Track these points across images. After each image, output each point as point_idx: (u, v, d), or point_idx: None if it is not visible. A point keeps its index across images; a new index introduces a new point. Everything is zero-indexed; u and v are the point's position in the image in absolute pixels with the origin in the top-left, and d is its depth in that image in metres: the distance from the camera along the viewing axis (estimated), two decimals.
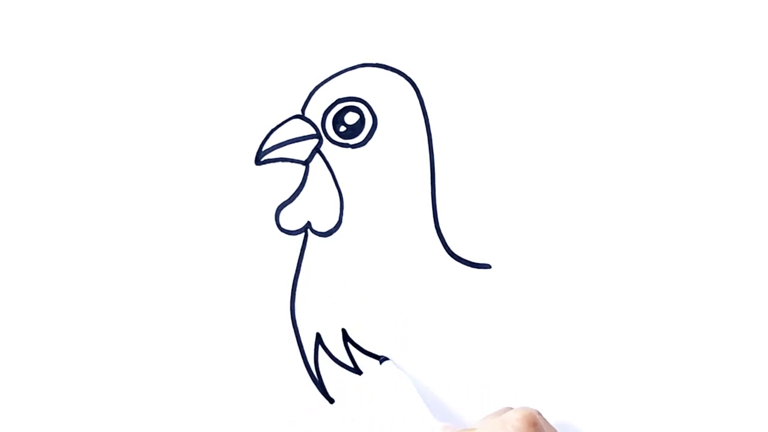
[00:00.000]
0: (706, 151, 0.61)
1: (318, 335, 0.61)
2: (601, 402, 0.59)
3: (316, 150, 0.62)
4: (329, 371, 0.60)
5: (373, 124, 0.62)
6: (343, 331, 0.60)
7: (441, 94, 0.62)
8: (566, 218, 0.61)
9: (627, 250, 0.61)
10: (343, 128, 0.62)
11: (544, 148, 0.61)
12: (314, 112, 0.62)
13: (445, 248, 0.61)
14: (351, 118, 0.62)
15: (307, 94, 0.62)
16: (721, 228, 0.61)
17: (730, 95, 0.62)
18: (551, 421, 0.58)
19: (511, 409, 0.56)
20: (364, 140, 0.61)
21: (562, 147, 0.61)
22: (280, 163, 0.62)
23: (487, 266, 0.60)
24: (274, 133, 0.62)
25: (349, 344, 0.60)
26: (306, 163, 0.62)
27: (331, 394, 0.60)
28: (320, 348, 0.60)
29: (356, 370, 0.60)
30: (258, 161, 0.62)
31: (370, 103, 0.62)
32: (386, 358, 0.60)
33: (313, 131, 0.62)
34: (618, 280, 0.60)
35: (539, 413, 0.54)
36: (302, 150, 0.62)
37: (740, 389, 0.59)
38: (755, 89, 0.61)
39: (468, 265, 0.61)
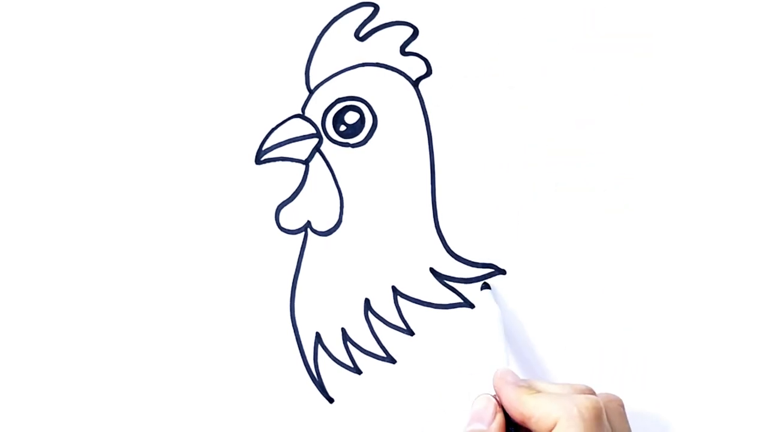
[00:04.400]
0: (707, 152, 0.61)
1: (318, 335, 0.60)
2: None
3: (316, 149, 0.61)
4: (329, 371, 0.60)
5: (373, 124, 0.61)
6: (343, 330, 0.60)
7: (441, 93, 0.62)
8: (568, 218, 0.61)
9: (631, 249, 0.61)
10: (343, 127, 0.61)
11: (545, 148, 0.61)
12: (314, 112, 0.62)
13: (445, 248, 0.61)
14: (351, 118, 0.61)
15: (307, 94, 0.62)
16: (722, 228, 0.61)
17: (731, 96, 0.61)
18: None
19: (588, 388, 0.55)
20: (364, 139, 0.61)
21: (563, 147, 0.61)
22: (280, 163, 0.62)
23: (487, 266, 0.60)
24: (274, 132, 0.62)
25: (349, 344, 0.60)
26: (306, 162, 0.62)
27: (331, 394, 0.60)
28: (320, 347, 0.60)
29: (356, 370, 0.60)
30: (258, 160, 0.62)
31: (371, 103, 0.62)
32: (488, 287, 0.60)
33: (313, 130, 0.62)
34: (622, 280, 0.60)
35: (621, 404, 0.54)
36: (302, 149, 0.62)
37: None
38: (755, 89, 0.61)
39: (469, 265, 0.60)
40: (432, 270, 0.61)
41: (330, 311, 0.61)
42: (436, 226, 0.61)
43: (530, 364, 0.60)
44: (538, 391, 0.54)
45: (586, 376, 0.60)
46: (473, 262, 0.61)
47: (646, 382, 0.60)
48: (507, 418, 0.54)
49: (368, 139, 0.61)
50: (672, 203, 0.61)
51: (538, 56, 0.62)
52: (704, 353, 0.60)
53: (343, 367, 0.60)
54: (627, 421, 0.55)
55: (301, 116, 0.62)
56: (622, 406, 0.55)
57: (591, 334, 0.60)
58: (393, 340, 0.60)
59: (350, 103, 0.61)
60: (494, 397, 0.55)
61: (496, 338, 0.58)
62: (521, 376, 0.58)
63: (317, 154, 0.62)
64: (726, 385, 0.60)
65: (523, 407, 0.53)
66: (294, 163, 0.62)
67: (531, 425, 0.52)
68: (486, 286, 0.60)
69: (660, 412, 0.60)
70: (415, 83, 0.62)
